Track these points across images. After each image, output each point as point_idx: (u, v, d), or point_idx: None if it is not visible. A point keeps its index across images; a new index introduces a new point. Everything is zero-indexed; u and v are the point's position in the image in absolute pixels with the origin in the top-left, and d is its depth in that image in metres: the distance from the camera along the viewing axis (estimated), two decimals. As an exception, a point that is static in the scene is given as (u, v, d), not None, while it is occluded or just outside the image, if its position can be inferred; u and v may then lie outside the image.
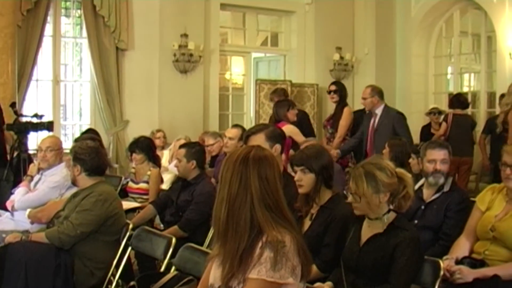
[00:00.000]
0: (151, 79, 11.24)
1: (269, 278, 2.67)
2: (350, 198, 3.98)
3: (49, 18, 11.18)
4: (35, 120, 7.76)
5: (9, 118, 8.15)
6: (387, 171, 3.92)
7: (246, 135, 5.42)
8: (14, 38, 9.56)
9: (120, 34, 11.14)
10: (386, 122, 8.81)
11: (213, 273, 2.93)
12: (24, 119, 7.71)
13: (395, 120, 8.99)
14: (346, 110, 9.66)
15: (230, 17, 13.33)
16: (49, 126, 7.69)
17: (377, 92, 8.94)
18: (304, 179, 4.44)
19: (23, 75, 10.37)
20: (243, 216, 2.75)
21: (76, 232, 4.91)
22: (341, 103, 9.76)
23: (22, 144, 7.58)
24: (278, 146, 5.21)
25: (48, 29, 11.23)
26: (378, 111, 8.90)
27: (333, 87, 9.93)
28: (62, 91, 11.78)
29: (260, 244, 2.71)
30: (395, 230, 3.84)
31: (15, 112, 7.71)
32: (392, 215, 3.91)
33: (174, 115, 11.09)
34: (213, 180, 7.25)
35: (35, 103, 11.26)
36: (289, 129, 7.85)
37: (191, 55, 11.39)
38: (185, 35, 11.39)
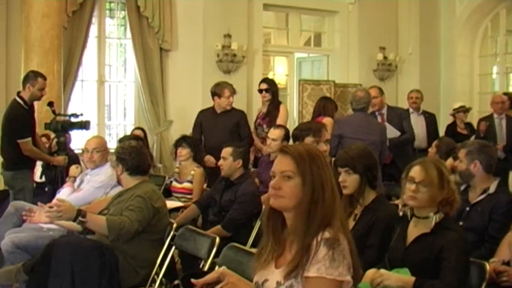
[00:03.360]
0: (194, 80, 11.28)
1: (329, 275, 2.67)
2: (408, 190, 3.92)
3: (94, 20, 11.30)
4: (72, 119, 7.78)
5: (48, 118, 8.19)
6: (448, 171, 3.93)
7: (300, 135, 5.44)
8: (60, 39, 9.68)
9: (164, 35, 11.21)
10: (396, 121, 8.79)
11: (260, 271, 2.93)
12: (61, 118, 7.73)
13: (403, 117, 8.97)
14: (282, 108, 9.19)
15: (273, 17, 13.34)
16: (86, 124, 7.71)
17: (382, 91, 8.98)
18: (348, 180, 4.42)
19: (68, 75, 10.50)
20: (322, 211, 2.76)
21: (135, 228, 4.92)
22: (275, 101, 9.21)
23: (60, 143, 7.61)
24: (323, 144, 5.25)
25: (93, 30, 11.35)
26: (384, 110, 8.88)
27: (263, 85, 9.29)
28: (107, 92, 11.89)
29: (316, 241, 2.71)
30: (443, 231, 3.80)
31: (53, 112, 7.76)
32: (441, 216, 3.87)
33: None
34: (256, 180, 7.26)
35: (80, 103, 11.39)
36: (329, 122, 8.08)
37: (234, 55, 11.41)
38: (228, 36, 11.42)
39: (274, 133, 7.41)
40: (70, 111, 10.17)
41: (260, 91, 9.29)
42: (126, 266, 5.00)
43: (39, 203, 5.55)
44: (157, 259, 5.12)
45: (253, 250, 4.05)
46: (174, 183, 7.62)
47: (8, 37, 10.49)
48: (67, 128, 7.65)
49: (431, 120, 10.26)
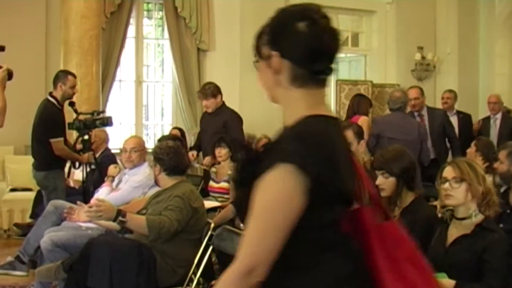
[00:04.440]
0: (231, 80, 11.29)
1: None
2: (443, 191, 3.88)
3: (132, 20, 11.38)
4: (94, 116, 7.78)
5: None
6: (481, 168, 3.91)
7: None
8: (98, 40, 9.76)
9: (201, 35, 11.25)
10: (437, 124, 8.70)
11: None
12: (83, 117, 7.74)
13: (445, 121, 8.85)
14: None
15: (310, 17, 13.29)
16: (108, 121, 7.71)
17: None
18: (385, 183, 4.39)
19: (106, 76, 10.59)
20: None
21: (174, 228, 4.94)
22: None
23: (85, 141, 7.62)
24: (363, 142, 5.23)
25: (131, 31, 11.42)
26: (424, 111, 8.80)
27: None
28: (144, 92, 11.96)
29: None
30: (484, 232, 3.76)
31: (75, 111, 7.80)
32: (480, 217, 3.83)
33: (254, 116, 11.12)
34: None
35: (118, 103, 11.48)
36: (365, 121, 7.96)
37: (271, 55, 11.39)
38: (265, 36, 11.40)
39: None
40: (108, 111, 10.27)
41: None
42: (164, 265, 5.02)
43: (78, 202, 5.60)
44: (195, 259, 5.13)
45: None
46: (212, 183, 7.65)
47: (47, 38, 10.61)
48: (90, 126, 7.65)
49: (465, 120, 10.21)
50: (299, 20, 2.24)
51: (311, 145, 2.08)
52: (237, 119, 8.76)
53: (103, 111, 7.87)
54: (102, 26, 10.19)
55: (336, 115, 9.98)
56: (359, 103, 9.10)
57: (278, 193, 2.03)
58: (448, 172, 3.88)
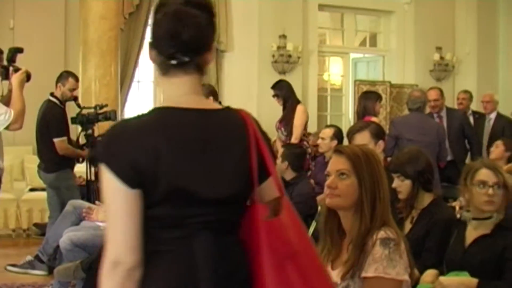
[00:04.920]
0: (250, 80, 11.31)
1: (387, 275, 2.67)
2: (483, 195, 3.83)
3: (150, 21, 11.36)
4: (98, 110, 7.75)
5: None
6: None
7: (351, 132, 5.41)
8: (117, 41, 9.80)
9: (219, 36, 11.25)
10: (456, 125, 8.65)
11: None
12: (86, 111, 7.71)
13: (464, 123, 8.80)
14: (298, 109, 8.83)
15: (328, 17, 13.30)
16: (111, 115, 7.67)
17: None
18: (401, 185, 4.36)
19: (125, 76, 10.62)
20: (366, 213, 2.77)
21: None
22: (289, 102, 8.94)
23: (88, 136, 7.60)
24: (381, 143, 5.20)
25: (149, 31, 11.42)
26: (443, 113, 8.75)
27: (272, 92, 9.17)
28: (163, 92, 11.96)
29: (371, 241, 2.71)
30: (503, 231, 3.74)
31: (78, 106, 7.80)
32: (500, 216, 3.81)
33: (273, 116, 11.09)
34: (311, 181, 7.25)
35: (137, 104, 11.51)
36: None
37: (289, 56, 11.41)
38: (283, 36, 11.42)
39: (324, 132, 7.37)
40: (126, 112, 10.32)
41: (273, 96, 9.20)
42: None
43: (97, 202, 5.62)
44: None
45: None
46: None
47: (66, 39, 10.66)
48: (93, 120, 7.62)
49: (481, 121, 10.17)
50: (157, 9, 2.31)
51: (118, 142, 2.11)
52: None
53: (106, 105, 7.80)
54: (120, 27, 10.23)
55: (354, 116, 9.91)
56: (365, 108, 8.89)
57: (106, 189, 2.10)
58: (488, 176, 3.81)
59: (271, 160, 2.26)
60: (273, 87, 9.16)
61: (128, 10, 10.77)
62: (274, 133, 9.97)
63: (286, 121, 8.85)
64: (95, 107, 7.75)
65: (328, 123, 12.19)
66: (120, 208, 2.09)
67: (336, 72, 13.45)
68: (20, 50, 5.77)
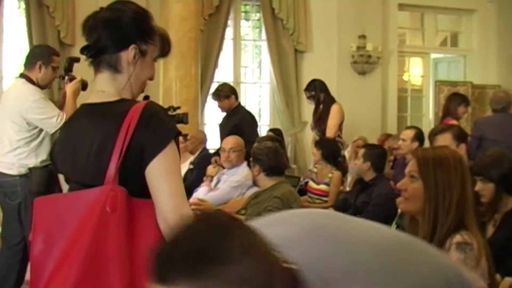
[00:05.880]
0: (329, 81, 11.21)
1: None
2: None
3: (230, 22, 11.47)
4: (169, 113, 7.77)
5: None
6: None
7: (433, 134, 5.36)
8: (197, 42, 9.89)
9: (298, 36, 11.26)
10: None
11: None
12: None
13: None
14: (333, 108, 8.70)
15: (408, 17, 13.17)
16: (183, 118, 7.66)
17: None
18: (484, 189, 4.28)
19: (205, 77, 10.71)
20: (446, 216, 2.72)
21: None
22: (324, 102, 8.81)
23: None
24: (463, 146, 5.13)
25: (229, 32, 11.53)
26: None
27: (307, 94, 9.07)
28: (242, 93, 12.04)
29: (448, 245, 2.67)
30: None
31: None
32: None
33: (352, 117, 11.05)
34: (391, 182, 7.18)
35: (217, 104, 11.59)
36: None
37: (369, 56, 11.34)
38: (363, 36, 11.35)
39: (405, 134, 7.31)
40: (206, 112, 10.41)
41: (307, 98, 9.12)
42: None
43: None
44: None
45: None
46: (311, 183, 7.62)
47: (148, 40, 10.81)
48: None
49: None
50: None
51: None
52: (248, 121, 8.59)
53: (178, 107, 7.85)
54: (200, 28, 10.32)
55: (435, 117, 9.72)
56: (448, 108, 8.78)
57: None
58: None
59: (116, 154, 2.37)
60: (306, 88, 9.15)
61: (208, 11, 10.87)
62: (352, 134, 9.95)
63: (321, 121, 8.76)
64: (167, 109, 7.82)
65: (408, 124, 12.05)
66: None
67: (416, 72, 13.28)
68: (77, 60, 5.86)
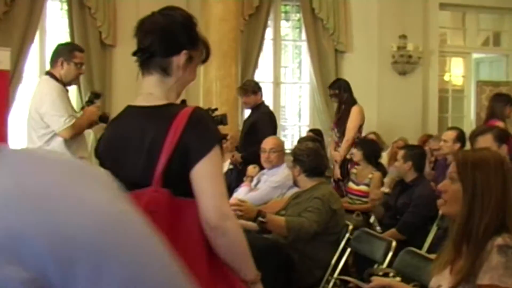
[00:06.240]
0: (369, 81, 11.24)
1: (503, 284, 2.58)
2: None
3: (270, 22, 11.50)
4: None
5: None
6: None
7: (474, 135, 5.32)
8: (237, 42, 9.92)
9: (338, 36, 11.25)
10: None
11: (436, 276, 2.90)
12: None
13: None
14: (354, 110, 8.48)
15: (449, 16, 13.05)
16: (222, 120, 7.66)
17: None
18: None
19: (245, 77, 10.72)
20: (483, 219, 2.70)
21: (313, 229, 4.98)
22: (346, 102, 8.61)
23: None
24: (504, 147, 5.09)
25: (269, 32, 11.55)
26: None
27: (330, 92, 8.91)
28: (282, 93, 12.06)
29: (489, 247, 2.65)
30: None
31: None
32: None
33: (392, 117, 11.02)
34: (432, 184, 7.14)
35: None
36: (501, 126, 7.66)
37: (410, 56, 11.28)
38: (403, 36, 11.29)
39: (447, 135, 7.25)
40: (246, 112, 10.42)
41: (330, 96, 9.03)
42: (302, 266, 5.05)
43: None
44: (332, 260, 5.15)
45: (431, 256, 3.99)
46: (351, 184, 7.61)
47: (188, 41, 10.87)
48: None
49: None
50: None
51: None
52: (265, 121, 8.35)
53: (216, 109, 7.87)
54: (240, 28, 10.35)
55: (476, 117, 9.60)
56: (493, 108, 8.62)
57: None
58: None
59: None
60: (331, 86, 9.01)
61: (248, 12, 10.91)
62: (392, 134, 9.90)
63: (341, 122, 8.63)
64: (206, 111, 7.83)
65: (449, 125, 11.95)
66: None
67: (457, 72, 13.18)
68: (98, 96, 5.90)
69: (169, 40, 2.61)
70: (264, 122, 8.24)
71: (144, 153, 2.51)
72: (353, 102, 8.64)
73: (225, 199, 2.54)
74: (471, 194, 2.72)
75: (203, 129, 2.51)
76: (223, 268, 2.54)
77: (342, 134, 8.49)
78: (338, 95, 8.70)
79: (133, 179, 2.44)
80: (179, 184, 2.45)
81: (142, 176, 2.48)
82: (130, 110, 2.71)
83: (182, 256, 2.33)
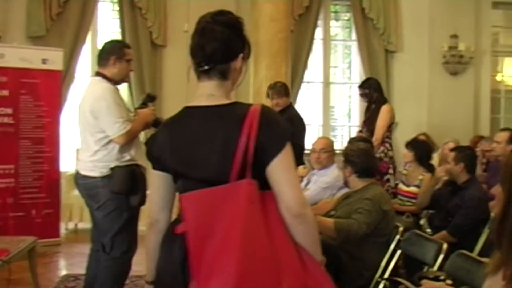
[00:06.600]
0: (420, 81, 11.16)
1: None
2: None
3: (319, 22, 11.49)
4: None
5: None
6: None
7: None
8: (287, 42, 9.92)
9: (389, 36, 11.21)
10: None
11: (488, 280, 2.87)
12: None
13: None
14: (383, 109, 8.38)
15: (502, 15, 12.88)
16: None
17: None
18: None
19: (295, 77, 10.76)
20: (508, 224, 2.66)
21: (363, 231, 4.96)
22: (376, 102, 8.54)
23: None
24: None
25: (319, 32, 11.55)
26: None
27: (360, 91, 8.75)
28: (332, 93, 12.04)
29: None
30: None
31: None
32: None
33: (443, 118, 10.92)
34: (484, 186, 7.06)
35: (306, 105, 11.62)
36: None
37: (461, 56, 11.17)
38: (455, 36, 11.19)
39: (499, 136, 7.17)
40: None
41: (360, 95, 8.89)
42: (351, 267, 5.03)
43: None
44: (381, 262, 5.12)
45: (483, 259, 3.94)
46: (401, 186, 7.56)
47: (239, 41, 10.90)
48: None
49: None
50: (195, 25, 2.80)
51: (158, 132, 2.90)
52: (298, 122, 8.26)
53: None
54: (290, 28, 10.35)
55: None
56: None
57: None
58: None
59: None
60: (361, 85, 8.88)
61: (297, 12, 10.93)
62: (443, 135, 9.79)
63: (370, 121, 8.55)
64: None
65: (502, 126, 11.80)
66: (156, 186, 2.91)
67: (510, 72, 13.00)
68: (153, 99, 5.87)
69: (229, 48, 2.74)
70: (296, 123, 8.16)
71: (218, 151, 2.62)
72: (384, 101, 8.60)
73: (301, 189, 2.75)
74: (506, 198, 2.67)
75: (276, 127, 2.66)
76: (305, 253, 2.67)
77: (371, 133, 8.42)
78: (368, 94, 8.66)
79: (207, 176, 2.63)
80: (256, 178, 2.59)
81: (217, 173, 2.62)
82: (191, 110, 2.79)
83: (279, 244, 2.57)
